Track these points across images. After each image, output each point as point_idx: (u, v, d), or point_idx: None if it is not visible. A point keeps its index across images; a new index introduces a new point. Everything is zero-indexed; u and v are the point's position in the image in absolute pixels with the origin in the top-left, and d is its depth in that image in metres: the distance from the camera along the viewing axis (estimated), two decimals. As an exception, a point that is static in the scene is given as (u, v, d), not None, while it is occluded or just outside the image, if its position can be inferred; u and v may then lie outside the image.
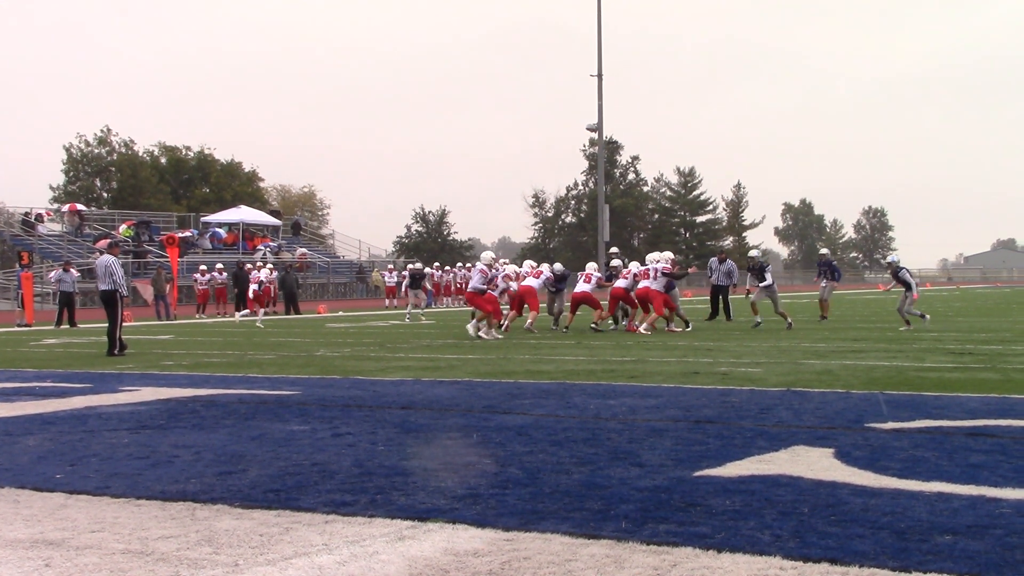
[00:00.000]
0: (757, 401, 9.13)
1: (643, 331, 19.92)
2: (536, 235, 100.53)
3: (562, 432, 7.47)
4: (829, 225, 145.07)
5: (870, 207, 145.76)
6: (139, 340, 21.56)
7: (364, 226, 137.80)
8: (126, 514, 5.12)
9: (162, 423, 8.48)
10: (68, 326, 30.16)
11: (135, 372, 13.86)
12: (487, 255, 20.97)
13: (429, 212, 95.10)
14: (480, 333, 19.58)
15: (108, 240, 28.86)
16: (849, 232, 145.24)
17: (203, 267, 40.33)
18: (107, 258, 18.26)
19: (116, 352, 17.26)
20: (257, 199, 78.62)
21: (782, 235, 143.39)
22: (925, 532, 4.42)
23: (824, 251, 26.19)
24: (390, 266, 49.66)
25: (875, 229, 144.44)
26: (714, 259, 27.41)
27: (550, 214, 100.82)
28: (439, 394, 10.25)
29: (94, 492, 5.66)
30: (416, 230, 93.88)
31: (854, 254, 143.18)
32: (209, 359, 15.99)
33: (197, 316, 36.77)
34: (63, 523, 4.96)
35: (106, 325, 18.20)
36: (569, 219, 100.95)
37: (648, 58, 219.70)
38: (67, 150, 75.14)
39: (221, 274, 40.15)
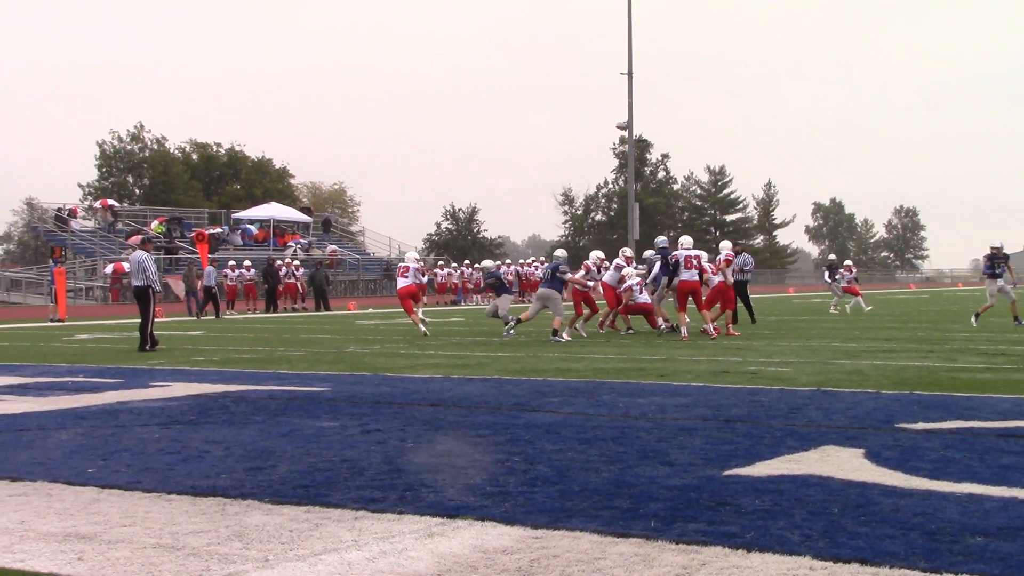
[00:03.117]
0: (787, 400, 9.08)
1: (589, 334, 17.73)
2: (566, 233, 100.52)
3: (591, 430, 7.47)
4: (860, 224, 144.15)
5: (902, 206, 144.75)
6: (170, 336, 21.73)
7: (394, 223, 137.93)
8: (157, 509, 5.16)
9: (193, 419, 8.54)
10: (215, 317, 32.97)
11: (166, 368, 13.97)
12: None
13: (459, 209, 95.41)
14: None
15: (141, 236, 29.18)
16: (880, 232, 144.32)
17: (232, 263, 40.62)
18: (140, 254, 18.39)
19: (148, 348, 17.40)
20: (287, 196, 79.09)
21: (812, 234, 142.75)
22: (956, 533, 4.39)
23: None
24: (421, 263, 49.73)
25: (907, 229, 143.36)
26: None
27: (580, 212, 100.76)
28: (468, 391, 10.26)
29: (126, 487, 5.70)
30: (446, 227, 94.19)
31: (885, 253, 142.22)
32: (239, 355, 16.09)
33: (228, 312, 37.00)
34: (95, 517, 5.01)
35: (138, 320, 18.36)
36: (599, 217, 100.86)
37: (679, 57, 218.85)
38: (100, 146, 75.90)
39: (249, 271, 40.40)
